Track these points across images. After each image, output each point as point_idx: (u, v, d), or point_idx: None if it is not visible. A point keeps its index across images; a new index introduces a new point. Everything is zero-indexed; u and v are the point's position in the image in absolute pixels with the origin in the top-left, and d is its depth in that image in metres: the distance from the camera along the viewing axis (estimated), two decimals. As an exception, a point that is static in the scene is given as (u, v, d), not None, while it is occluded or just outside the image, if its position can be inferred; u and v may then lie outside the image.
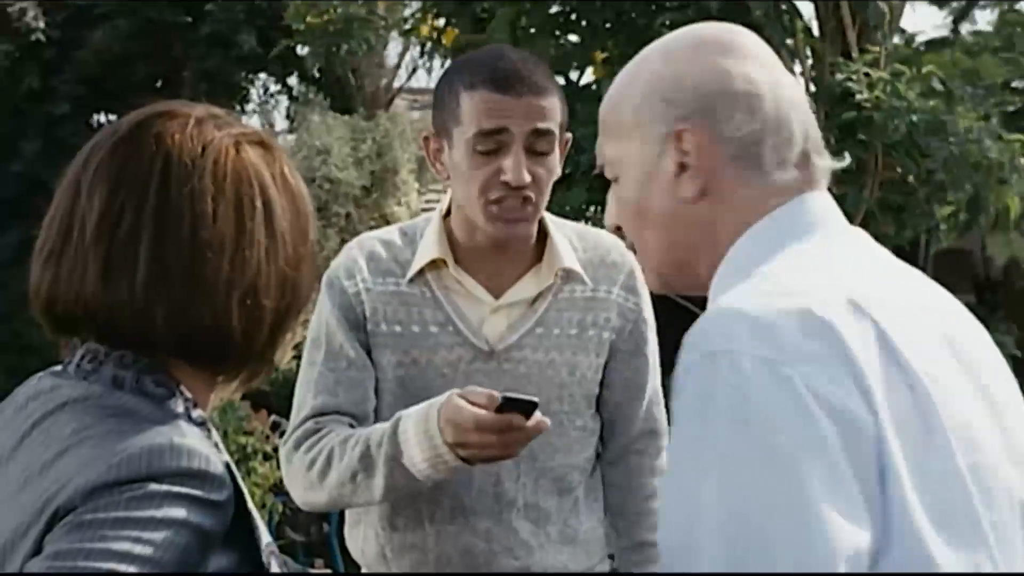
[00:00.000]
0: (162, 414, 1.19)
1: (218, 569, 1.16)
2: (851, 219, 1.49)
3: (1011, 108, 5.66)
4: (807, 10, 5.81)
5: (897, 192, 5.34)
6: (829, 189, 1.32)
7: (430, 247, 2.02)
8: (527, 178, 1.91)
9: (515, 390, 1.99)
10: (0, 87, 11.69)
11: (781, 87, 1.31)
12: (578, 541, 2.07)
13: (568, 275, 2.05)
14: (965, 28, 7.75)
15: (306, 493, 1.99)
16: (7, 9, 11.37)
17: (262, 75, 13.00)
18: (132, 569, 1.07)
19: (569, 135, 2.03)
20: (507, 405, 1.74)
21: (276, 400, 6.88)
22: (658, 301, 2.13)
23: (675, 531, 1.12)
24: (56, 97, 11.73)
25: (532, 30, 5.69)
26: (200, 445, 1.17)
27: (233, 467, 1.19)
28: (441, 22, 5.91)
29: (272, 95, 13.28)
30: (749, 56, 1.31)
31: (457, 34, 5.68)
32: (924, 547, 1.09)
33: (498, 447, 1.78)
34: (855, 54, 5.22)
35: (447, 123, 1.96)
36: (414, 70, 14.06)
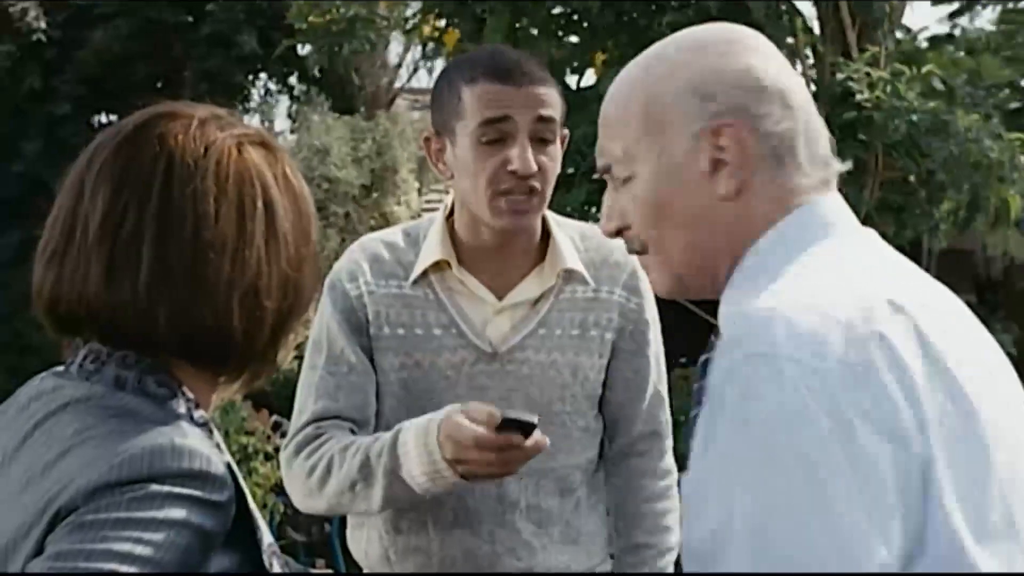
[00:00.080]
0: (164, 415, 1.19)
1: (219, 570, 1.16)
2: (851, 220, 1.49)
3: (1012, 106, 5.66)
4: (808, 10, 5.80)
5: (897, 192, 5.34)
6: None
7: (433, 248, 2.02)
8: (534, 166, 1.91)
9: (517, 391, 1.99)
10: (1, 87, 11.68)
11: (803, 87, 1.30)
12: (580, 541, 2.07)
13: (570, 275, 2.05)
14: (965, 23, 7.75)
15: (305, 499, 1.99)
16: (8, 9, 11.37)
17: (263, 75, 13.00)
18: (133, 570, 1.08)
19: (566, 131, 2.03)
20: (507, 424, 1.75)
21: (277, 400, 6.87)
22: (664, 303, 2.14)
23: (702, 531, 1.11)
24: (57, 97, 11.73)
25: (533, 31, 5.68)
26: (201, 446, 1.17)
27: (234, 467, 1.20)
28: (442, 23, 5.90)
29: (272, 95, 13.28)
30: (771, 55, 1.31)
31: (459, 37, 5.68)
32: (962, 552, 1.08)
33: (497, 465, 1.78)
34: (855, 54, 5.22)
35: (449, 120, 1.96)
36: (415, 70, 14.08)
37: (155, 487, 1.11)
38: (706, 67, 1.28)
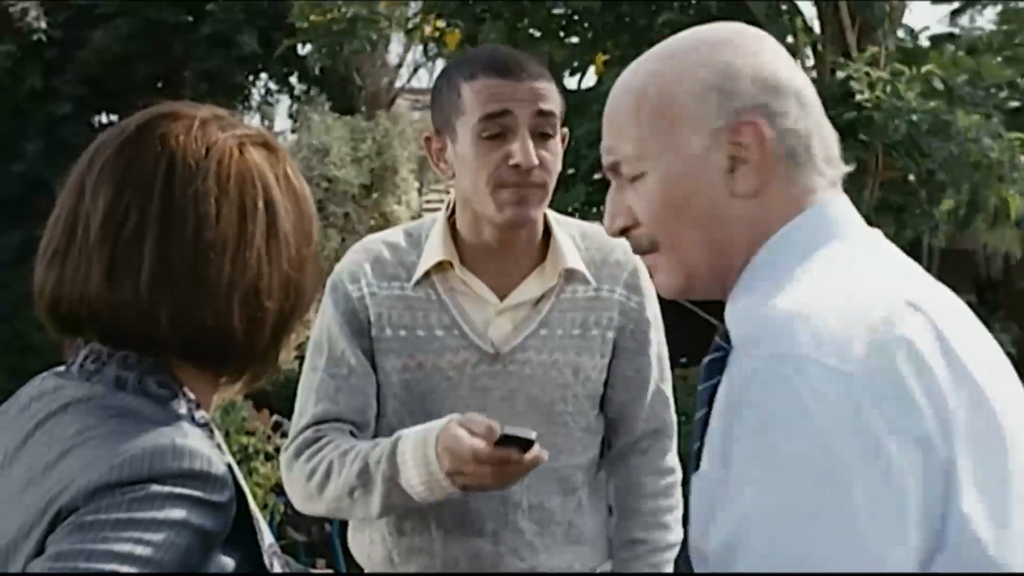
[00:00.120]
0: (164, 415, 1.19)
1: (220, 570, 1.16)
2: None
3: (1012, 105, 5.65)
4: (808, 10, 5.80)
5: (897, 192, 5.33)
6: None
7: (436, 249, 2.01)
8: (536, 159, 1.91)
9: (520, 392, 2.00)
10: (2, 87, 11.68)
11: (812, 86, 1.30)
12: (583, 541, 2.07)
13: (571, 275, 2.05)
14: (966, 23, 7.74)
15: (305, 502, 2.00)
16: (9, 9, 11.36)
17: (263, 75, 13.00)
18: (133, 570, 1.07)
19: (566, 130, 2.03)
20: (505, 440, 1.75)
21: (278, 400, 6.87)
22: (664, 303, 2.13)
23: (720, 533, 1.11)
24: (58, 97, 11.72)
25: (533, 31, 5.69)
26: (202, 446, 1.17)
27: (235, 468, 1.20)
28: (443, 23, 5.90)
29: (273, 95, 13.28)
30: (783, 54, 1.30)
31: (461, 39, 5.68)
32: (983, 550, 1.09)
33: (494, 479, 1.79)
34: (855, 54, 5.22)
35: (449, 117, 1.96)
36: (415, 70, 14.08)
37: (156, 487, 1.11)
38: (724, 64, 1.26)
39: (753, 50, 1.28)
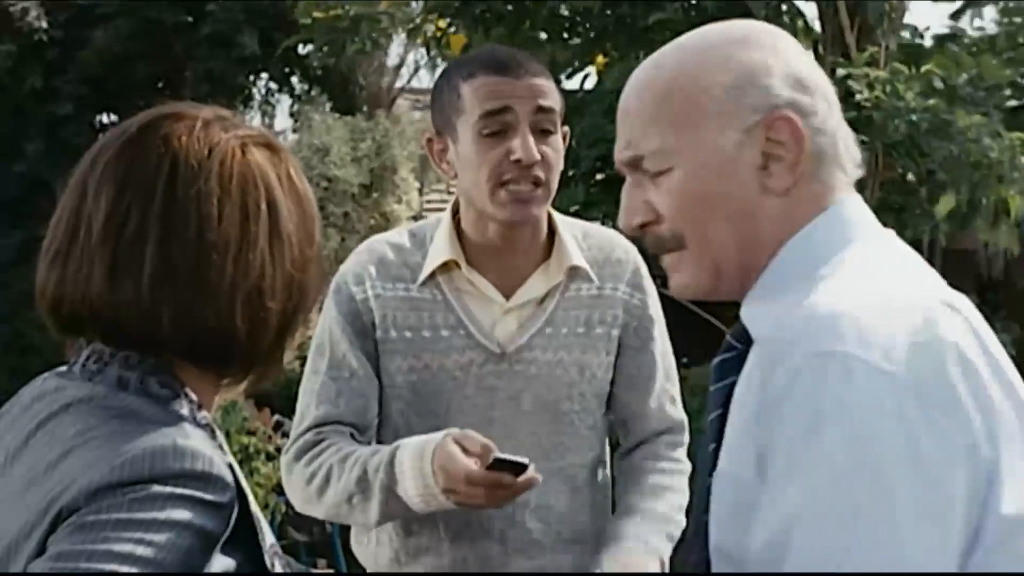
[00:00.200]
0: (166, 415, 1.20)
1: (221, 570, 1.16)
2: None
3: (1012, 104, 5.65)
4: (809, 11, 5.80)
5: (897, 192, 5.34)
6: None
7: (442, 249, 2.01)
8: (537, 154, 1.91)
9: (526, 391, 2.00)
10: (2, 87, 11.67)
11: (832, 85, 1.29)
12: (590, 540, 2.07)
13: (575, 273, 2.05)
14: (967, 24, 7.73)
15: (305, 505, 2.01)
16: (9, 9, 11.36)
17: (264, 75, 12.99)
18: (134, 570, 1.07)
19: (567, 129, 2.03)
20: (498, 463, 1.76)
21: (279, 400, 6.87)
22: (664, 303, 2.14)
23: (767, 531, 1.10)
24: (59, 97, 11.71)
25: (540, 34, 5.69)
26: (203, 446, 1.17)
27: (236, 468, 1.20)
28: (444, 23, 5.91)
29: (273, 94, 13.27)
30: (805, 54, 1.29)
31: (465, 42, 5.68)
32: (1017, 551, 1.09)
33: (486, 500, 1.80)
34: (855, 54, 5.22)
35: (450, 118, 1.96)
36: (416, 69, 14.07)
37: (157, 488, 1.11)
38: (756, 60, 1.24)
39: (780, 47, 1.27)
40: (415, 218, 10.34)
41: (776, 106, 1.23)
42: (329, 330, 2.03)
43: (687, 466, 2.15)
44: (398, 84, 13.69)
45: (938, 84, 5.14)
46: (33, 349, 9.58)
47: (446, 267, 2.02)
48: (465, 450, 1.79)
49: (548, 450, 2.00)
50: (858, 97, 4.85)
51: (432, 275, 2.02)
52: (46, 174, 10.40)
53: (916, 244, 5.69)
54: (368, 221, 10.13)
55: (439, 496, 1.82)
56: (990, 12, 8.31)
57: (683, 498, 2.09)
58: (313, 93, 12.52)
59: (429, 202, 11.19)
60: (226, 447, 1.26)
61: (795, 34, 5.52)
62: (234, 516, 1.16)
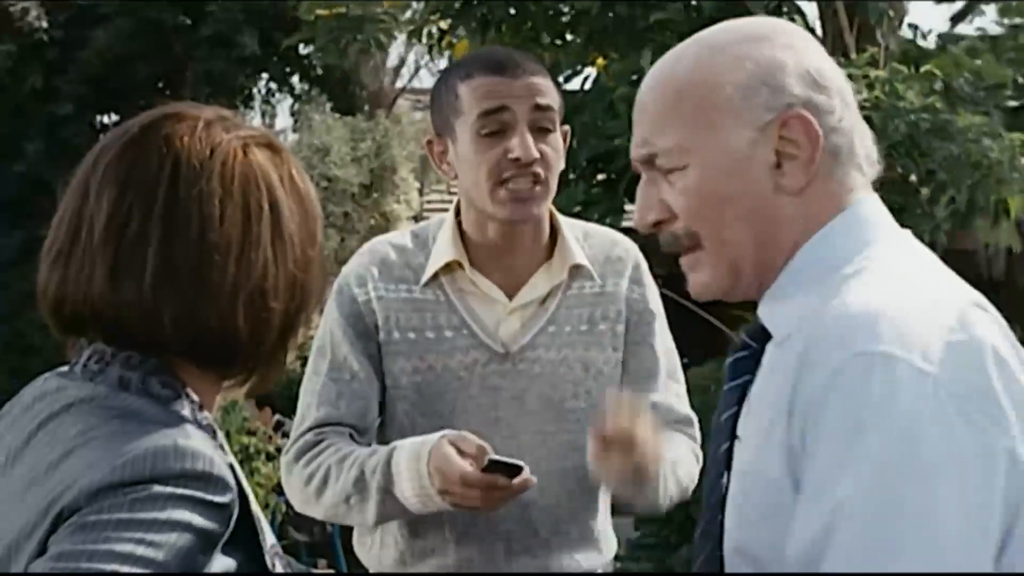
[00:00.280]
0: (167, 416, 1.20)
1: (222, 570, 1.16)
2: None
3: (1013, 104, 5.64)
4: (809, 11, 5.80)
5: (897, 192, 5.33)
6: None
7: (445, 250, 2.02)
8: (535, 153, 1.92)
9: (530, 390, 1.99)
10: (3, 87, 11.67)
11: (850, 85, 1.29)
12: (593, 539, 2.07)
13: (578, 271, 2.05)
14: (967, 24, 7.74)
15: (304, 505, 2.01)
16: (9, 9, 11.37)
17: (264, 75, 12.99)
18: (135, 570, 1.07)
19: (567, 128, 2.03)
20: (494, 465, 1.77)
21: (280, 400, 6.87)
22: (664, 303, 2.14)
23: (810, 529, 1.10)
24: (59, 97, 11.71)
25: (543, 35, 5.68)
26: (204, 447, 1.17)
27: (237, 469, 1.20)
28: (445, 24, 5.90)
29: (274, 94, 13.27)
30: (824, 52, 1.29)
31: (467, 44, 5.67)
32: None
33: (482, 502, 1.80)
34: (854, 55, 5.22)
35: (449, 118, 1.97)
36: (417, 70, 14.08)
37: (158, 488, 1.11)
38: (771, 58, 1.24)
39: (798, 45, 1.26)
40: (415, 218, 10.35)
41: (791, 104, 1.22)
42: (331, 331, 2.03)
43: (700, 454, 2.11)
44: (398, 84, 13.70)
45: (938, 84, 5.14)
46: (34, 349, 9.58)
47: (449, 268, 2.02)
48: (461, 452, 1.79)
49: (554, 449, 2.00)
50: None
51: (435, 276, 2.02)
52: (46, 174, 10.41)
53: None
54: (368, 221, 10.14)
55: (435, 497, 1.82)
56: (990, 12, 8.32)
57: (695, 469, 2.05)
58: (313, 93, 12.52)
59: (429, 202, 11.20)
60: (227, 447, 1.26)
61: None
62: (235, 516, 1.16)
